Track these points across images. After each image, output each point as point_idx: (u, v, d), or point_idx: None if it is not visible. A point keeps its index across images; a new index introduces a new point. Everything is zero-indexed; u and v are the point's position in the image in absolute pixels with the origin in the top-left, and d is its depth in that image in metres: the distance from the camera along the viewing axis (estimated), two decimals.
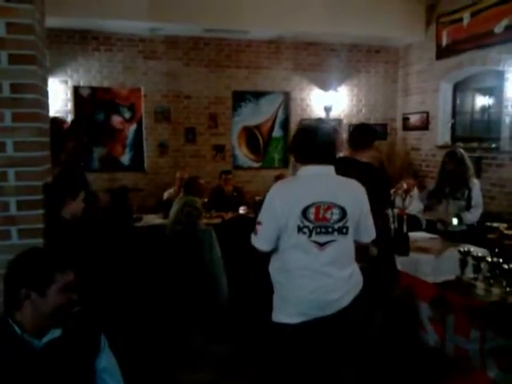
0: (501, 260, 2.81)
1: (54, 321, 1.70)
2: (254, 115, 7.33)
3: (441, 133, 6.97)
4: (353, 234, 2.30)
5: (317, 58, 7.49)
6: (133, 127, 6.84)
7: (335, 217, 2.22)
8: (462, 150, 4.42)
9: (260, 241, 2.30)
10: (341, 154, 3.49)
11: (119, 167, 6.79)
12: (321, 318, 2.23)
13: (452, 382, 2.84)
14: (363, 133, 3.48)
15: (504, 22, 5.67)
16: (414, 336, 3.15)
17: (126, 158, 6.85)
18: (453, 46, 6.59)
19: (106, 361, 1.82)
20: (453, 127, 6.97)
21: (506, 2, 5.64)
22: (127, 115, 6.81)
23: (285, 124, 7.48)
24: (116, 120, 6.77)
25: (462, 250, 3.06)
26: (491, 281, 2.80)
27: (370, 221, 2.37)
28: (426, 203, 4.54)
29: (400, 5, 6.86)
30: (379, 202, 3.00)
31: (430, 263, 3.53)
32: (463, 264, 3.01)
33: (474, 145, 6.34)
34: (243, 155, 7.34)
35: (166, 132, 6.94)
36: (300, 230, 2.21)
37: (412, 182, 6.12)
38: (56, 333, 1.71)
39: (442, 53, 6.81)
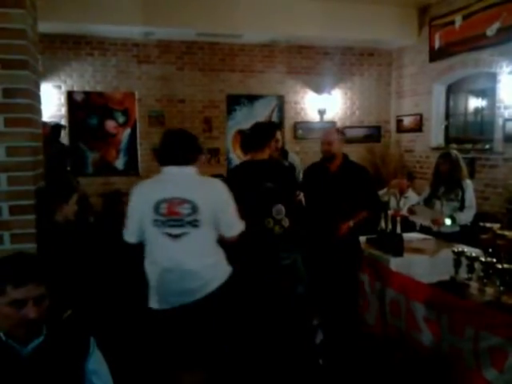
0: (494, 260, 2.82)
1: (26, 330, 1.65)
2: (249, 119, 7.30)
3: (434, 134, 7.01)
4: (212, 228, 2.48)
5: (310, 62, 7.53)
6: (127, 131, 6.84)
7: (186, 211, 2.40)
8: (455, 152, 4.43)
9: (126, 233, 2.55)
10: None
11: (113, 171, 6.79)
12: (186, 304, 2.41)
13: (448, 381, 2.84)
14: (258, 133, 3.39)
15: (496, 25, 5.71)
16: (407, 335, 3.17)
17: (120, 163, 6.84)
18: (445, 48, 6.64)
19: (96, 363, 1.82)
20: (446, 129, 7.00)
21: (497, 5, 5.68)
22: (121, 120, 6.81)
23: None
24: (110, 124, 6.76)
25: (455, 250, 3.07)
26: (485, 280, 2.81)
27: (230, 217, 2.53)
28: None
29: (393, 8, 6.90)
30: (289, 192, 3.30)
31: (425, 264, 3.54)
32: (457, 264, 3.02)
33: (468, 146, 6.37)
34: (238, 158, 7.34)
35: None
36: (154, 223, 2.41)
37: (406, 183, 6.12)
38: (41, 338, 1.70)
39: (435, 55, 6.86)
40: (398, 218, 3.64)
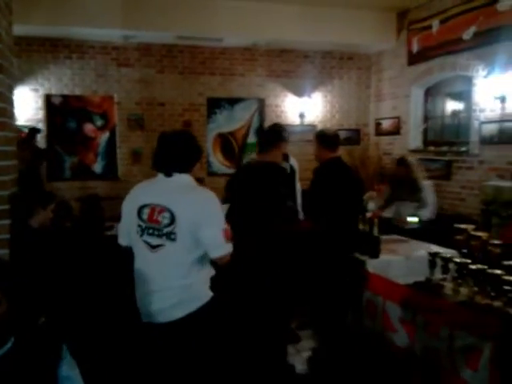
0: (468, 260, 2.86)
1: None
2: (229, 122, 7.35)
3: (412, 137, 7.09)
4: (191, 244, 2.22)
5: (291, 65, 7.56)
6: (106, 135, 6.79)
7: (165, 221, 2.21)
8: (410, 157, 4.92)
9: (119, 235, 2.44)
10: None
11: (92, 175, 6.72)
12: (154, 323, 2.27)
13: (422, 381, 2.87)
14: (266, 135, 3.49)
15: (472, 29, 5.81)
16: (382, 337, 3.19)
17: (98, 167, 6.78)
18: (423, 52, 6.73)
19: (68, 369, 1.80)
20: (424, 131, 7.10)
21: (473, 10, 5.79)
22: (100, 123, 6.75)
23: None
24: (88, 128, 6.70)
25: (431, 251, 3.11)
26: (459, 281, 2.85)
27: (213, 235, 2.24)
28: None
29: (372, 12, 6.98)
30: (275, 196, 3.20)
31: (401, 265, 3.57)
32: (432, 265, 3.06)
33: (445, 148, 6.47)
34: (218, 162, 7.34)
35: (140, 139, 6.90)
36: (137, 228, 2.29)
37: (384, 185, 6.26)
38: (8, 345, 1.67)
39: (413, 59, 6.95)
40: (376, 220, 3.68)
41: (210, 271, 2.39)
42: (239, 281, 3.13)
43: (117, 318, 3.99)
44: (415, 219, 4.47)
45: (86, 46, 6.63)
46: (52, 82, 6.55)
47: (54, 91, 6.55)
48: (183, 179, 2.32)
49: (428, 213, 4.60)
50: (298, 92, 7.60)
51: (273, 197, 3.18)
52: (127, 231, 2.36)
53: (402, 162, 4.71)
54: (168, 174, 2.30)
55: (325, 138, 3.75)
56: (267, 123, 7.43)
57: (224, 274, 2.53)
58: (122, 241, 2.43)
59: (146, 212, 2.26)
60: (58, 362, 1.78)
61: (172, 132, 2.48)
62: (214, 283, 2.42)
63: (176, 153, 2.31)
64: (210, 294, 2.34)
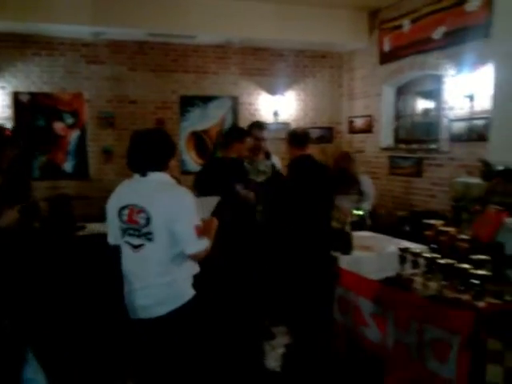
0: (436, 255, 2.90)
1: None
2: (203, 120, 7.29)
3: (384, 135, 7.17)
4: (169, 242, 2.26)
5: (264, 63, 7.56)
6: (76, 133, 6.65)
7: (142, 221, 2.25)
8: (351, 153, 5.67)
9: (108, 234, 2.48)
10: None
11: (62, 175, 6.56)
12: (142, 319, 2.32)
13: (392, 375, 2.90)
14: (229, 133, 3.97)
15: (442, 29, 5.91)
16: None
17: (68, 166, 6.63)
18: (394, 51, 6.81)
19: (32, 372, 1.77)
20: (396, 130, 7.19)
21: (443, 10, 5.89)
22: (70, 121, 6.60)
23: None
24: (58, 126, 6.55)
25: (401, 247, 3.15)
26: (428, 275, 2.89)
27: (186, 231, 2.27)
28: None
29: (344, 11, 7.02)
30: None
31: (373, 261, 3.62)
32: (402, 260, 3.10)
33: (415, 146, 6.57)
34: (192, 160, 7.28)
35: (111, 138, 6.78)
36: (118, 228, 2.35)
37: None
38: None
39: (385, 58, 7.03)
40: (348, 217, 3.71)
41: (192, 268, 2.41)
42: (223, 277, 3.12)
43: (89, 318, 3.93)
44: (360, 212, 4.87)
45: (54, 43, 6.47)
46: (19, 80, 6.38)
47: (21, 89, 6.38)
48: (158, 177, 2.34)
49: (368, 204, 5.21)
50: (272, 90, 7.60)
51: (224, 191, 3.19)
52: (115, 231, 2.42)
53: (344, 156, 5.29)
54: (143, 174, 2.32)
55: (293, 137, 3.78)
56: (241, 121, 7.42)
57: (207, 270, 2.55)
58: (110, 239, 2.48)
59: (125, 213, 2.31)
60: (22, 364, 1.74)
61: (144, 131, 2.47)
62: (198, 280, 2.45)
63: (149, 152, 2.32)
64: (192, 292, 2.37)
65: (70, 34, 6.35)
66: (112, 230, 2.43)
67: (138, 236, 2.27)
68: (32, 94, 6.41)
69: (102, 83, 6.70)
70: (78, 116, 6.64)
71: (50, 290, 3.26)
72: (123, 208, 2.31)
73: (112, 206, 2.40)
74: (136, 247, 2.29)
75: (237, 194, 3.71)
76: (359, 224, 5.58)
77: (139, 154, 2.32)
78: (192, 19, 6.24)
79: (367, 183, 5.26)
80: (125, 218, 2.30)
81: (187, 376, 2.36)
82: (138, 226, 2.26)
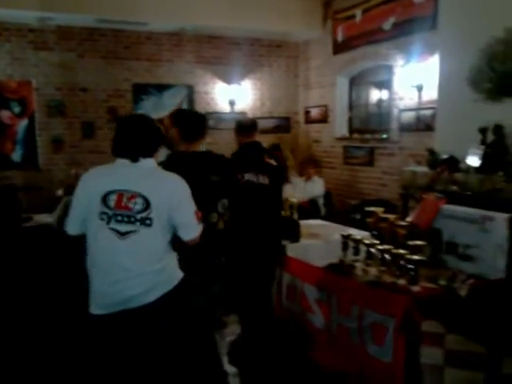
0: (376, 241, 2.97)
1: None
2: (157, 109, 7.16)
3: (339, 125, 7.27)
4: (165, 229, 2.27)
5: (219, 52, 7.50)
6: (24, 122, 6.43)
7: (138, 207, 2.20)
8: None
9: (68, 223, 2.33)
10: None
11: (9, 165, 6.35)
12: (125, 310, 2.21)
13: (333, 358, 2.97)
14: (198, 122, 3.21)
15: (391, 20, 6.01)
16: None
17: (16, 155, 6.41)
18: (347, 41, 6.89)
19: None
20: (350, 120, 7.29)
21: (392, 1, 5.98)
22: (17, 110, 6.38)
23: None
24: (5, 115, 6.32)
25: (343, 233, 3.21)
26: (368, 261, 2.95)
27: (187, 218, 2.32)
28: None
29: (298, 1, 7.04)
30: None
31: (319, 248, 3.66)
32: (345, 247, 3.16)
33: (368, 136, 6.69)
34: None
35: (61, 127, 6.59)
36: (100, 215, 2.21)
37: (313, 170, 6.50)
38: None
39: (338, 48, 7.10)
40: (294, 205, 3.74)
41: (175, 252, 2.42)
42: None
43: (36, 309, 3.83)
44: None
45: (0, 28, 6.22)
46: None
47: None
48: (149, 164, 2.31)
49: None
50: (228, 79, 7.56)
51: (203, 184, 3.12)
52: (82, 220, 2.27)
53: (275, 147, 5.48)
54: (135, 160, 2.26)
55: (239, 125, 3.75)
56: (197, 110, 7.33)
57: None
58: (72, 230, 2.33)
59: (112, 199, 2.20)
60: None
61: (132, 116, 2.56)
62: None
63: (143, 137, 2.29)
64: (181, 274, 2.37)
65: (16, 19, 6.11)
66: (79, 219, 2.29)
67: (129, 222, 2.19)
68: None
69: (50, 70, 6.50)
70: (26, 104, 6.42)
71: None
72: (109, 193, 2.21)
73: (88, 192, 2.26)
74: (123, 234, 2.19)
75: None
76: (313, 212, 5.76)
77: (132, 139, 2.28)
78: (143, 5, 6.12)
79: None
80: (112, 203, 2.19)
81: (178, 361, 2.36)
82: (130, 213, 2.19)
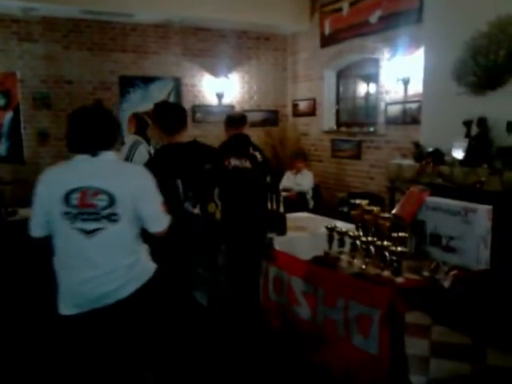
0: (360, 234, 3.00)
1: None
2: (144, 101, 7.10)
3: (326, 118, 7.28)
4: (133, 223, 2.22)
5: (207, 44, 7.46)
6: (9, 115, 6.34)
7: (102, 203, 2.13)
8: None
9: (32, 227, 2.24)
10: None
11: None
12: (97, 308, 2.18)
13: (320, 352, 3.00)
14: (176, 113, 3.17)
15: (377, 13, 6.03)
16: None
17: (1, 149, 6.33)
18: (335, 34, 6.89)
19: None
20: (337, 113, 7.31)
21: None
22: (2, 102, 6.29)
23: None
24: None
25: (328, 226, 3.22)
26: (353, 253, 2.98)
27: (152, 210, 2.27)
28: None
29: None
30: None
31: (305, 241, 3.69)
32: (330, 239, 3.18)
33: (356, 129, 6.72)
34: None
35: (47, 120, 6.53)
36: (64, 216, 2.13)
37: (302, 163, 6.52)
38: None
39: (326, 41, 7.10)
40: (281, 198, 3.76)
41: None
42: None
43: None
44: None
45: None
46: None
47: None
48: (110, 156, 2.22)
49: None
50: (215, 72, 7.53)
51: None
52: (45, 221, 2.19)
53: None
54: (94, 154, 2.17)
55: (229, 118, 3.77)
56: (185, 103, 7.30)
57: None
58: (36, 232, 2.23)
59: (75, 197, 2.12)
60: None
61: (84, 108, 2.33)
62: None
63: (100, 129, 2.20)
64: (154, 265, 2.34)
65: None
66: (42, 220, 2.20)
67: (95, 220, 2.13)
68: None
69: (35, 62, 6.42)
70: (11, 96, 6.33)
71: None
72: (71, 192, 2.12)
73: (48, 192, 2.16)
74: (89, 232, 2.13)
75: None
76: (301, 205, 5.77)
77: (88, 133, 2.18)
78: None
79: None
80: (75, 202, 2.11)
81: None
82: (94, 210, 2.12)
